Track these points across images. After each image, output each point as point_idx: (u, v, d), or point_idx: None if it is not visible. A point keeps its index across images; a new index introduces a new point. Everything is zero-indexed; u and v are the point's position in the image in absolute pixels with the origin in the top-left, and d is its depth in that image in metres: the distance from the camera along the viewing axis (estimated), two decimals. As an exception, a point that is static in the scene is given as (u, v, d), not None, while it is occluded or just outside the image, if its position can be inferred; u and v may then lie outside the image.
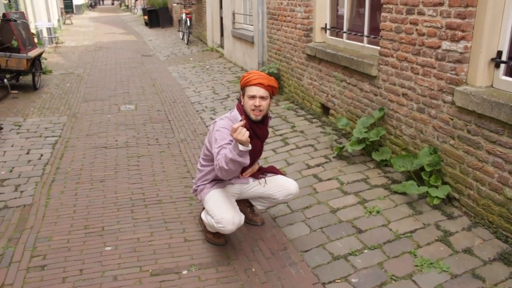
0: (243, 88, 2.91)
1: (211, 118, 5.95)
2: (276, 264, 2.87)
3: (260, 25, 7.22)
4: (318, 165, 4.16)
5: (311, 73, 5.54)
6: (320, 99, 5.37)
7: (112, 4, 51.29)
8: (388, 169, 3.88)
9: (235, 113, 2.95)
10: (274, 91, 2.91)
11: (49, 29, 15.05)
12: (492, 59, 2.97)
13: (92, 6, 43.29)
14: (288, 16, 6.07)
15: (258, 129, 2.91)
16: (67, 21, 23.32)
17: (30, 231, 3.33)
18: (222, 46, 11.01)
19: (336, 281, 2.66)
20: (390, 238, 2.97)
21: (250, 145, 2.53)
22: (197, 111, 6.44)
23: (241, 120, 2.78)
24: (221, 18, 10.77)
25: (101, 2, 52.62)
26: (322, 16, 5.41)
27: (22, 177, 4.33)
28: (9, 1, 10.24)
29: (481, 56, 2.97)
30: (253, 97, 2.82)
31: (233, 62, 9.56)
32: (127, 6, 38.72)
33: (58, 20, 19.99)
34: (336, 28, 5.28)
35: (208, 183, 3.05)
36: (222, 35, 10.91)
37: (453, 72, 3.13)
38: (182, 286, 2.71)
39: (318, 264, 2.82)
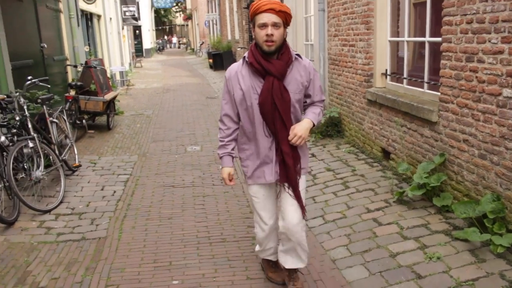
0: (253, 19, 2.61)
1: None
2: (335, 306, 2.94)
3: (322, 70, 7.43)
4: (378, 209, 4.20)
5: (371, 117, 5.64)
6: (381, 143, 5.43)
7: (179, 47, 53.88)
8: (449, 215, 3.86)
9: (241, 59, 2.76)
10: (288, 19, 2.61)
11: (121, 73, 16.11)
12: (555, 108, 2.97)
13: (160, 49, 45.71)
14: (349, 62, 6.25)
15: (268, 63, 2.60)
16: (137, 64, 24.80)
17: (104, 262, 3.60)
18: (283, 89, 11.31)
19: (395, 325, 2.69)
20: (451, 285, 2.96)
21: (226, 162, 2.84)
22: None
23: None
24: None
25: (168, 46, 55.43)
26: (383, 62, 5.54)
27: (97, 212, 4.68)
28: (90, 49, 11.15)
29: (544, 105, 2.98)
30: (264, 25, 2.53)
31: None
32: (193, 49, 40.57)
33: (130, 64, 21.34)
34: (396, 74, 5.39)
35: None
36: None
37: (515, 120, 3.15)
38: (244, 322, 2.84)
39: (377, 308, 2.86)
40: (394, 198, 4.34)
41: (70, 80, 8.92)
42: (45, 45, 7.97)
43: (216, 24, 26.05)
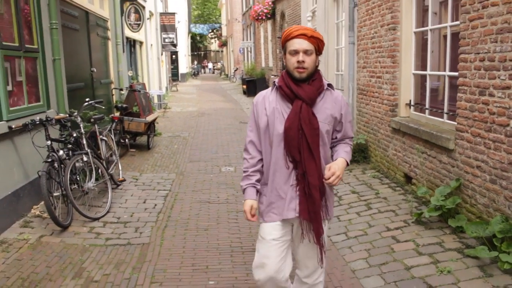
0: (284, 45, 2.54)
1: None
2: (353, 308, 3.31)
3: (351, 100, 7.85)
4: (397, 228, 4.55)
5: (395, 144, 6.01)
6: (404, 169, 5.78)
7: (213, 72, 55.22)
8: (463, 235, 4.17)
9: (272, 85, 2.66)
10: (321, 45, 2.51)
11: (159, 96, 16.90)
12: (556, 138, 3.32)
13: (195, 74, 47.02)
14: (376, 92, 6.67)
15: (299, 88, 2.48)
16: (173, 88, 25.75)
17: (149, 264, 4.07)
18: (314, 116, 11.75)
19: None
20: (458, 294, 3.30)
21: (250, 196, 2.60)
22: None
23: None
24: (315, 91, 11.59)
25: (202, 71, 56.90)
26: (407, 93, 5.94)
27: (140, 221, 5.18)
28: (133, 74, 11.93)
29: (546, 135, 3.33)
30: (295, 52, 2.45)
31: (324, 131, 10.20)
32: (227, 75, 41.63)
33: (166, 88, 22.25)
34: (419, 105, 5.77)
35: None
36: (314, 106, 11.68)
37: (521, 149, 3.50)
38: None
39: (390, 311, 3.21)
40: (412, 219, 4.68)
41: (114, 102, 9.63)
42: (95, 70, 8.70)
43: (251, 51, 26.89)
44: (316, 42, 2.47)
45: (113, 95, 9.72)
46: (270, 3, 17.19)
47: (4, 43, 4.81)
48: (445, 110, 5.01)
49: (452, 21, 4.82)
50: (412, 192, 5.44)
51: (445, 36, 5.03)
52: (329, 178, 2.41)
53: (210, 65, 58.97)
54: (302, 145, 2.48)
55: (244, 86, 21.88)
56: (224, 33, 46.05)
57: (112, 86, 10.03)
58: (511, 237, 3.64)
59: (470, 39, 4.11)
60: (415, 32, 5.76)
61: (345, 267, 3.94)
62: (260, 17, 17.68)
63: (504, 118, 3.69)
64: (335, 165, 2.46)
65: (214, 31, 52.95)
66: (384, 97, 6.37)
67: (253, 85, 20.74)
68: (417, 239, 4.23)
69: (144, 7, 13.98)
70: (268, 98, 2.60)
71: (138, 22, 11.65)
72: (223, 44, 47.34)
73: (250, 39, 26.42)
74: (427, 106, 5.49)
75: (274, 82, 2.64)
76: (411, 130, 5.43)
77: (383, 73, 6.36)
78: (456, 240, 4.11)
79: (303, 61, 2.43)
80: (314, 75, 2.53)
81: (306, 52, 2.44)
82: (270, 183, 2.60)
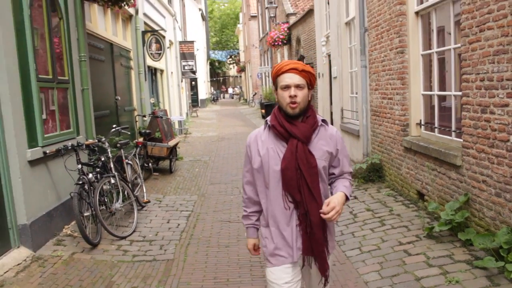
0: (275, 81, 2.49)
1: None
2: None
3: (365, 121, 8.11)
4: (409, 243, 4.74)
5: (408, 163, 6.22)
6: (416, 186, 5.98)
7: (232, 98, 55.95)
8: (472, 248, 4.35)
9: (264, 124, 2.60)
10: (312, 80, 2.46)
11: (180, 122, 17.39)
12: (553, 152, 3.53)
13: (214, 100, 47.75)
14: (388, 113, 6.92)
15: (292, 125, 2.42)
16: (193, 114, 26.30)
17: (173, 277, 4.35)
18: (331, 137, 12.00)
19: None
20: (465, 302, 3.48)
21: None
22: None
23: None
24: (331, 113, 11.88)
25: (222, 96, 57.71)
26: (417, 113, 6.18)
27: (165, 240, 5.47)
28: (155, 101, 12.42)
29: (543, 149, 3.55)
30: (287, 87, 2.40)
31: (341, 152, 10.43)
32: (246, 99, 42.22)
33: (187, 114, 22.79)
34: (429, 124, 6.00)
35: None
36: (331, 128, 11.94)
37: (521, 163, 3.71)
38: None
39: (399, 317, 3.42)
40: (424, 234, 4.87)
41: (137, 128, 10.07)
42: (119, 98, 9.16)
43: (268, 76, 27.38)
44: (307, 76, 2.42)
45: (136, 121, 10.16)
46: (285, 29, 17.68)
47: (39, 76, 5.24)
48: (453, 128, 5.24)
49: (455, 43, 5.09)
50: (424, 208, 5.63)
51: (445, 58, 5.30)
52: (328, 213, 2.30)
53: (230, 90, 59.69)
54: (302, 185, 2.40)
55: (263, 111, 22.25)
56: (242, 58, 46.90)
57: (135, 113, 10.49)
58: (516, 247, 3.82)
59: (471, 61, 4.37)
60: (422, 55, 6.03)
61: (359, 279, 4.15)
62: (276, 43, 18.15)
63: (504, 134, 3.91)
64: (335, 199, 2.36)
65: (232, 57, 53.98)
66: (396, 117, 6.61)
67: (271, 109, 20.94)
68: (428, 252, 4.42)
69: (164, 37, 14.57)
70: (260, 137, 2.52)
71: (159, 52, 12.16)
72: (242, 69, 48.17)
73: (268, 64, 26.95)
74: (436, 125, 5.72)
75: (266, 120, 2.55)
76: (422, 148, 5.65)
77: (394, 94, 6.62)
78: (465, 253, 4.29)
79: (295, 96, 2.37)
80: (308, 112, 2.47)
81: (297, 86, 2.39)
82: (271, 226, 2.51)
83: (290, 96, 2.37)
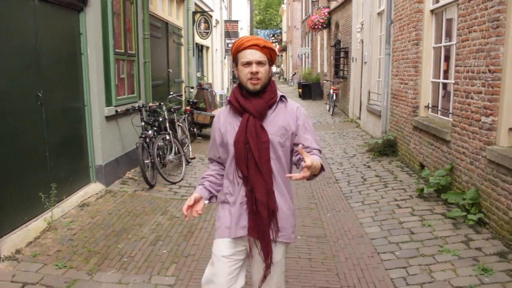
0: (235, 57, 2.43)
1: (338, 169, 7.94)
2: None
3: (385, 102, 9.15)
4: (402, 200, 5.87)
5: (415, 140, 7.28)
6: (419, 159, 7.06)
7: (272, 76, 56.65)
8: (451, 205, 5.45)
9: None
10: (273, 56, 2.44)
11: (221, 95, 18.71)
12: (510, 128, 4.58)
13: (254, 77, 48.77)
14: (403, 96, 7.95)
15: (246, 101, 2.40)
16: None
17: (212, 211, 5.64)
18: (359, 118, 13.05)
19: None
20: (430, 237, 4.62)
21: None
22: (329, 163, 8.47)
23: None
24: (360, 95, 12.89)
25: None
26: (426, 97, 7.21)
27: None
28: (201, 75, 13.76)
29: (502, 126, 4.60)
30: (248, 63, 2.36)
31: (366, 131, 11.50)
32: (285, 79, 43.18)
33: (227, 88, 24.11)
34: (435, 107, 7.02)
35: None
36: (360, 109, 12.98)
37: (486, 137, 4.77)
38: None
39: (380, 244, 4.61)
40: (416, 194, 5.98)
41: (184, 97, 11.42)
42: (171, 70, 10.49)
43: (308, 58, 28.30)
44: (268, 52, 2.40)
45: (184, 92, 11.50)
46: (326, 13, 18.55)
47: (116, 50, 6.57)
48: (450, 111, 6.27)
49: (456, 40, 6.09)
50: (422, 177, 6.72)
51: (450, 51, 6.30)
52: (307, 165, 2.11)
53: (274, 68, 58.80)
54: (249, 159, 2.37)
55: (300, 90, 23.30)
56: (284, 38, 47.67)
57: (183, 84, 11.83)
58: (479, 203, 4.91)
59: (461, 55, 5.39)
60: (433, 47, 7.03)
61: (356, 221, 5.34)
62: (316, 26, 19.04)
63: (478, 115, 4.96)
64: (312, 159, 2.20)
65: (275, 35, 54.73)
66: (409, 100, 7.65)
67: (308, 89, 22.13)
68: (414, 206, 5.55)
69: (211, 16, 15.79)
70: (223, 114, 2.54)
71: (207, 31, 13.39)
72: (283, 49, 48.95)
73: (308, 46, 27.82)
74: (439, 108, 6.76)
75: (227, 97, 2.57)
76: (425, 127, 6.70)
77: (409, 80, 7.65)
78: (444, 208, 5.40)
79: (256, 72, 2.35)
80: (267, 87, 2.45)
81: (259, 63, 2.37)
82: (224, 201, 2.53)
83: (251, 73, 2.35)
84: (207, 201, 2.50)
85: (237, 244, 2.48)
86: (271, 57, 2.43)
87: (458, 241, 4.50)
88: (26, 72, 4.75)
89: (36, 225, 4.66)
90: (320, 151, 2.48)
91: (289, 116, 2.46)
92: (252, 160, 2.36)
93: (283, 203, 2.46)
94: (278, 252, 2.50)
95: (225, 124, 2.49)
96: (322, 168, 2.29)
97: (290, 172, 2.53)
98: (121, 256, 4.29)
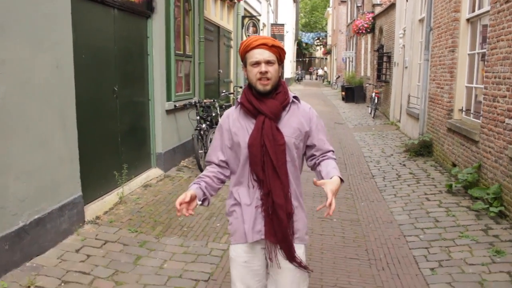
0: (244, 58, 2.38)
1: (375, 166, 8.49)
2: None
3: (423, 106, 9.61)
4: (432, 194, 6.39)
5: (448, 141, 7.75)
6: (451, 158, 7.53)
7: (316, 79, 57.00)
8: (476, 199, 5.93)
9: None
10: (282, 55, 2.38)
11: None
12: (530, 131, 5.06)
13: (298, 80, 49.28)
14: (439, 100, 8.42)
15: (261, 103, 2.34)
16: (278, 92, 28.19)
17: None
18: (399, 121, 13.47)
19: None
20: (453, 225, 5.16)
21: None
22: (366, 161, 9.02)
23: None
24: (401, 99, 13.31)
25: (305, 77, 58.82)
26: (460, 101, 7.67)
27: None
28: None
29: (523, 128, 5.09)
30: (257, 63, 2.31)
31: (405, 133, 11.94)
32: (329, 81, 43.50)
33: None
34: (468, 110, 7.48)
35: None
36: (400, 112, 13.40)
37: (509, 137, 5.26)
38: None
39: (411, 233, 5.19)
40: (445, 189, 6.49)
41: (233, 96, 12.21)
42: (221, 71, 11.30)
43: (352, 61, 28.65)
44: (277, 51, 2.34)
45: (233, 91, 12.29)
46: (370, 18, 18.97)
47: (176, 52, 7.40)
48: (481, 113, 6.73)
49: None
50: (454, 175, 7.19)
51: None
52: (330, 206, 2.12)
53: (320, 71, 55.25)
54: (266, 162, 2.32)
55: (343, 93, 23.70)
56: (329, 41, 48.00)
57: (232, 84, 12.63)
58: (501, 197, 5.40)
59: (490, 62, 5.88)
60: (468, 54, 7.49)
61: (387, 210, 5.92)
62: (360, 31, 19.49)
63: (502, 117, 5.45)
64: (332, 185, 2.19)
65: (320, 39, 55.08)
66: (444, 104, 8.11)
67: (351, 92, 22.53)
68: (442, 200, 6.07)
69: (259, 20, 16.56)
70: (232, 115, 2.46)
71: (255, 34, 14.17)
72: (328, 52, 49.28)
73: (352, 50, 28.17)
74: (472, 111, 7.22)
75: (237, 99, 2.50)
76: (457, 128, 7.18)
77: (445, 85, 8.12)
78: (469, 202, 5.90)
79: (266, 72, 2.29)
80: (279, 88, 2.40)
81: (268, 62, 2.31)
82: (237, 205, 2.44)
83: (261, 73, 2.29)
84: (200, 202, 2.37)
85: (255, 247, 2.45)
86: (280, 56, 2.37)
87: (478, 229, 5.02)
88: (107, 69, 5.62)
89: (110, 198, 5.52)
90: (333, 152, 2.52)
91: (302, 117, 2.45)
92: (269, 163, 2.31)
93: (298, 205, 2.45)
94: (300, 254, 2.46)
95: (235, 126, 2.41)
96: (341, 181, 2.28)
97: (301, 172, 2.53)
98: (182, 226, 5.07)
